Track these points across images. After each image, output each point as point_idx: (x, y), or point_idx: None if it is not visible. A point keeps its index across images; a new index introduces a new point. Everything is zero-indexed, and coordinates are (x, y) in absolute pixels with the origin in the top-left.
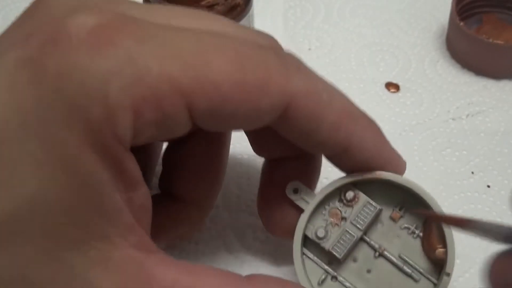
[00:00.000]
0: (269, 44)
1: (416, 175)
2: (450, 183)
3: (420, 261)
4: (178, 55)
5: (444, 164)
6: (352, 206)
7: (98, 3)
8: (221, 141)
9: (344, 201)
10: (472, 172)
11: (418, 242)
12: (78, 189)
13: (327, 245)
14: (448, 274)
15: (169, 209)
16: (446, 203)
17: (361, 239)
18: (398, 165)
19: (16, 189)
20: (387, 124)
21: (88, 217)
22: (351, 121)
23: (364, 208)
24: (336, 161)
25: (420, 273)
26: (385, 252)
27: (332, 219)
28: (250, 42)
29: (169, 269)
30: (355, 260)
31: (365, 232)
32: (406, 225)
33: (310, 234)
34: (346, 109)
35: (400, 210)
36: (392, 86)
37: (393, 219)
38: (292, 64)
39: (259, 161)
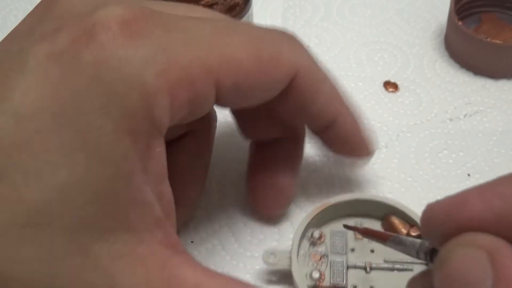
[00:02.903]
0: (273, 28)
1: (412, 179)
2: (445, 186)
3: (403, 255)
4: (202, 39)
5: (440, 167)
6: (323, 242)
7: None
8: (205, 141)
9: (315, 241)
10: (469, 174)
11: None
12: (110, 178)
13: (327, 282)
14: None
15: None
16: None
17: (348, 267)
18: (369, 147)
19: (48, 179)
20: (385, 124)
21: (118, 208)
22: (339, 99)
23: (334, 237)
24: (323, 134)
25: (410, 263)
26: (373, 265)
27: (316, 262)
28: (258, 26)
29: (192, 272)
30: (355, 286)
31: (347, 258)
32: None
33: (308, 282)
34: (335, 88)
35: None
36: (390, 86)
37: (359, 238)
38: (296, 42)
39: None
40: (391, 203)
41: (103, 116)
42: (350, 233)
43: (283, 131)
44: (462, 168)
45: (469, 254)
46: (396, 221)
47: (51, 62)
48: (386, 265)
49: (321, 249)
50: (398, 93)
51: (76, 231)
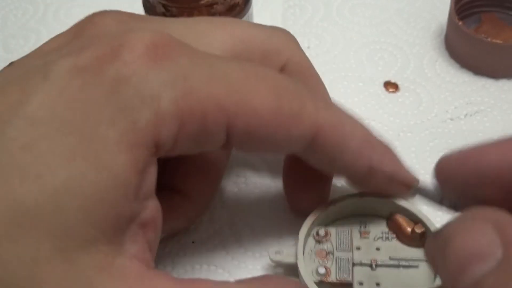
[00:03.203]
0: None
1: None
2: None
3: (409, 253)
4: (224, 80)
5: None
6: (329, 240)
7: (144, 27)
8: None
9: (320, 239)
10: None
11: (395, 241)
12: (104, 188)
13: (333, 277)
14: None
15: (166, 202)
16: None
17: (354, 265)
18: (411, 184)
19: (46, 181)
20: (386, 124)
21: (104, 218)
22: (371, 148)
23: (339, 235)
24: (359, 185)
25: (415, 260)
26: (379, 262)
27: (322, 259)
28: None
29: (171, 283)
30: (362, 283)
31: (352, 255)
32: (377, 236)
33: (314, 278)
34: (366, 137)
35: (365, 227)
36: (390, 86)
37: (364, 237)
38: (321, 97)
39: (257, 160)
40: (396, 201)
41: (109, 127)
42: (356, 232)
43: None
44: None
45: (474, 227)
46: (400, 219)
47: (73, 74)
48: (391, 262)
49: (326, 246)
50: (398, 93)
51: (62, 237)
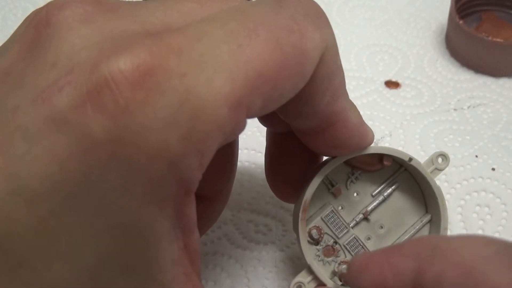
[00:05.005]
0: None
1: None
2: (452, 170)
3: (381, 178)
4: (221, 67)
5: (447, 150)
6: (324, 233)
7: (116, 36)
8: None
9: (316, 239)
10: (476, 156)
11: (364, 177)
12: (139, 250)
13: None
14: (411, 159)
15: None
16: (448, 195)
17: (353, 227)
18: (368, 142)
19: (73, 260)
20: (388, 114)
21: (149, 275)
22: (345, 95)
23: (329, 221)
24: (314, 139)
25: (391, 181)
26: (368, 209)
27: (332, 255)
28: (276, 6)
29: None
30: (369, 238)
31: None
32: (349, 181)
33: (338, 272)
34: (343, 82)
35: (332, 185)
36: (392, 84)
37: (338, 194)
38: (322, 17)
39: (260, 157)
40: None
41: (125, 195)
42: (331, 198)
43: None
44: (470, 150)
45: None
46: (357, 157)
47: (54, 130)
48: (377, 201)
49: (327, 240)
50: (399, 89)
51: None
